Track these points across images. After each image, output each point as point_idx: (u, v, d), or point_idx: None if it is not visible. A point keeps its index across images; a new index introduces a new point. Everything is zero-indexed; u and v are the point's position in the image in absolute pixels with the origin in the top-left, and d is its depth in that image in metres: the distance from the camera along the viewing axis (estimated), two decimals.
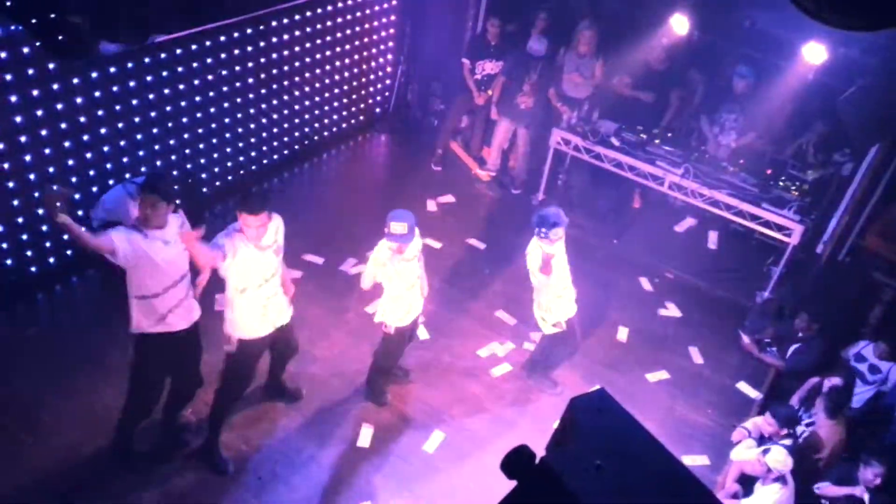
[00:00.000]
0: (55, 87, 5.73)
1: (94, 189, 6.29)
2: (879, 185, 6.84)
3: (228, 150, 7.51)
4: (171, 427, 5.18)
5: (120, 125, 6.31)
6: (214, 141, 7.31)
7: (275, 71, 7.57)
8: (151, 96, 6.47)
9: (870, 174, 6.82)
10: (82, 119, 6.01)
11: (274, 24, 7.32)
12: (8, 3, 4.39)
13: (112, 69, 6.07)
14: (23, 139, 5.67)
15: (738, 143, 7.51)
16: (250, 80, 7.34)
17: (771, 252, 7.52)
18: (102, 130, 6.19)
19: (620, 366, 6.41)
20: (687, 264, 7.59)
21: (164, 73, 6.50)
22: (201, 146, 7.19)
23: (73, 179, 6.15)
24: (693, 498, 2.23)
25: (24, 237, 6.03)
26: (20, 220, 5.93)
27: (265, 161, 8.01)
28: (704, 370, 6.50)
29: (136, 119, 6.43)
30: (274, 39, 7.39)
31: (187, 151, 7.08)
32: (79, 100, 5.92)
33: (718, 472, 5.53)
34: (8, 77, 5.41)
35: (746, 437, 5.32)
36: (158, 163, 6.80)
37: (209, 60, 6.85)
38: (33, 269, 6.19)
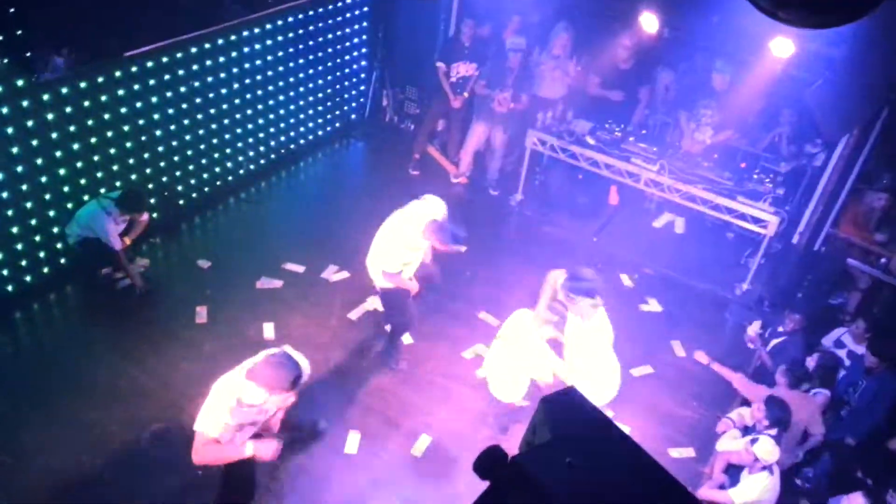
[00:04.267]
0: (25, 103, 5.66)
1: (69, 206, 6.23)
2: (851, 175, 6.95)
3: (204, 161, 7.47)
4: None
5: (93, 140, 6.25)
6: (189, 153, 7.26)
7: (248, 80, 7.54)
8: (123, 110, 6.41)
9: (841, 164, 6.93)
10: (54, 135, 5.94)
11: (245, 33, 7.28)
12: None
13: (82, 84, 6.01)
14: None
15: (713, 140, 7.59)
16: (223, 91, 7.30)
17: (748, 244, 7.61)
18: (75, 146, 6.12)
19: None
20: (665, 259, 7.66)
21: (136, 87, 6.45)
22: (176, 158, 7.14)
23: (47, 196, 6.08)
24: (663, 491, 2.24)
25: (0, 256, 5.95)
26: None
27: (241, 171, 7.97)
28: (687, 363, 6.55)
29: (109, 133, 6.37)
30: (246, 49, 7.36)
31: (162, 164, 7.03)
32: (50, 116, 5.86)
33: (705, 464, 5.58)
34: None
35: (731, 428, 5.36)
36: (133, 177, 6.74)
37: (181, 72, 6.80)
38: (10, 287, 6.11)
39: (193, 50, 6.84)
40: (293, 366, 3.89)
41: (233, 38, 7.17)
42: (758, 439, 4.86)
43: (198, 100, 7.07)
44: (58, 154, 6.03)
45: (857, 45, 6.30)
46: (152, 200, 6.95)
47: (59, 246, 6.31)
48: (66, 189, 6.19)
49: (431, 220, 5.45)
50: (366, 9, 8.66)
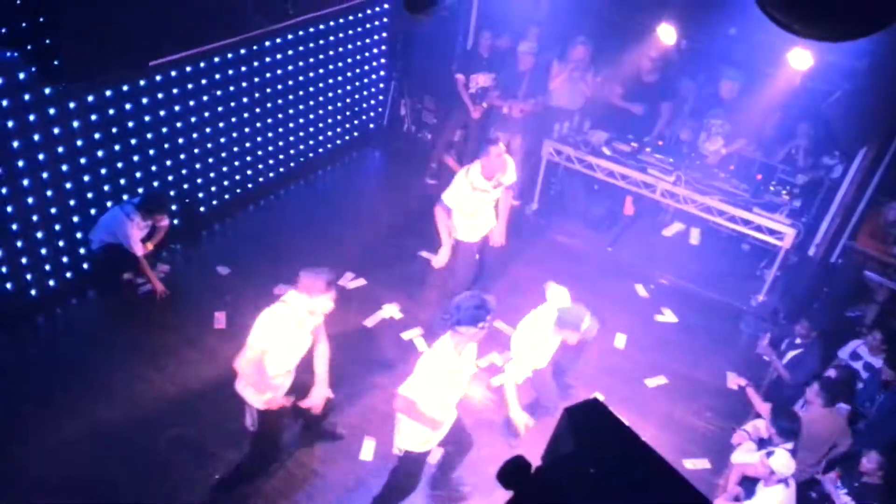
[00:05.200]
0: (52, 111, 5.78)
1: (93, 211, 6.35)
2: (869, 187, 6.93)
3: (225, 169, 7.57)
4: None
5: (117, 147, 6.37)
6: (211, 161, 7.37)
7: (269, 90, 7.64)
8: (147, 118, 6.53)
9: (859, 176, 6.91)
10: (79, 142, 6.06)
11: (267, 43, 7.40)
12: (3, 30, 4.45)
13: (108, 92, 6.13)
14: (20, 164, 5.71)
15: (727, 150, 7.58)
16: (245, 100, 7.41)
17: (764, 255, 7.59)
18: (99, 153, 6.24)
19: (619, 372, 6.45)
20: (681, 270, 7.66)
21: (160, 95, 6.57)
22: (198, 166, 7.25)
23: (72, 202, 6.20)
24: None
25: (24, 261, 6.06)
26: (19, 243, 5.96)
27: (261, 179, 8.07)
28: (702, 374, 6.54)
29: (133, 141, 6.49)
30: (267, 59, 7.47)
31: (184, 172, 7.14)
32: (75, 123, 5.98)
33: (720, 475, 5.57)
34: (4, 102, 5.46)
35: (747, 440, 5.35)
36: (155, 184, 6.85)
37: (204, 81, 6.92)
38: (33, 292, 6.22)
39: (216, 59, 6.95)
40: (325, 271, 4.81)
41: (255, 48, 7.28)
42: (774, 452, 4.85)
43: (220, 108, 7.18)
44: (82, 160, 6.15)
45: (876, 57, 6.30)
46: (174, 207, 7.06)
47: (82, 251, 6.42)
48: (89, 195, 6.31)
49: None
50: (385, 20, 8.76)
